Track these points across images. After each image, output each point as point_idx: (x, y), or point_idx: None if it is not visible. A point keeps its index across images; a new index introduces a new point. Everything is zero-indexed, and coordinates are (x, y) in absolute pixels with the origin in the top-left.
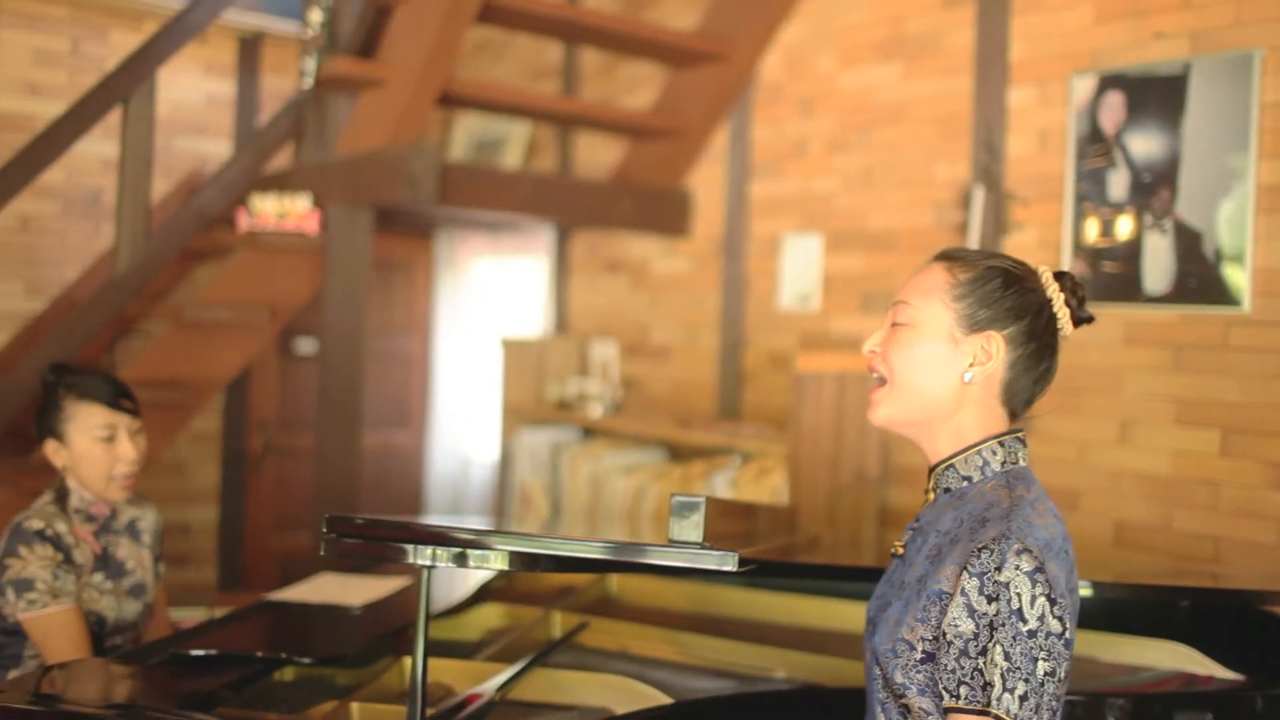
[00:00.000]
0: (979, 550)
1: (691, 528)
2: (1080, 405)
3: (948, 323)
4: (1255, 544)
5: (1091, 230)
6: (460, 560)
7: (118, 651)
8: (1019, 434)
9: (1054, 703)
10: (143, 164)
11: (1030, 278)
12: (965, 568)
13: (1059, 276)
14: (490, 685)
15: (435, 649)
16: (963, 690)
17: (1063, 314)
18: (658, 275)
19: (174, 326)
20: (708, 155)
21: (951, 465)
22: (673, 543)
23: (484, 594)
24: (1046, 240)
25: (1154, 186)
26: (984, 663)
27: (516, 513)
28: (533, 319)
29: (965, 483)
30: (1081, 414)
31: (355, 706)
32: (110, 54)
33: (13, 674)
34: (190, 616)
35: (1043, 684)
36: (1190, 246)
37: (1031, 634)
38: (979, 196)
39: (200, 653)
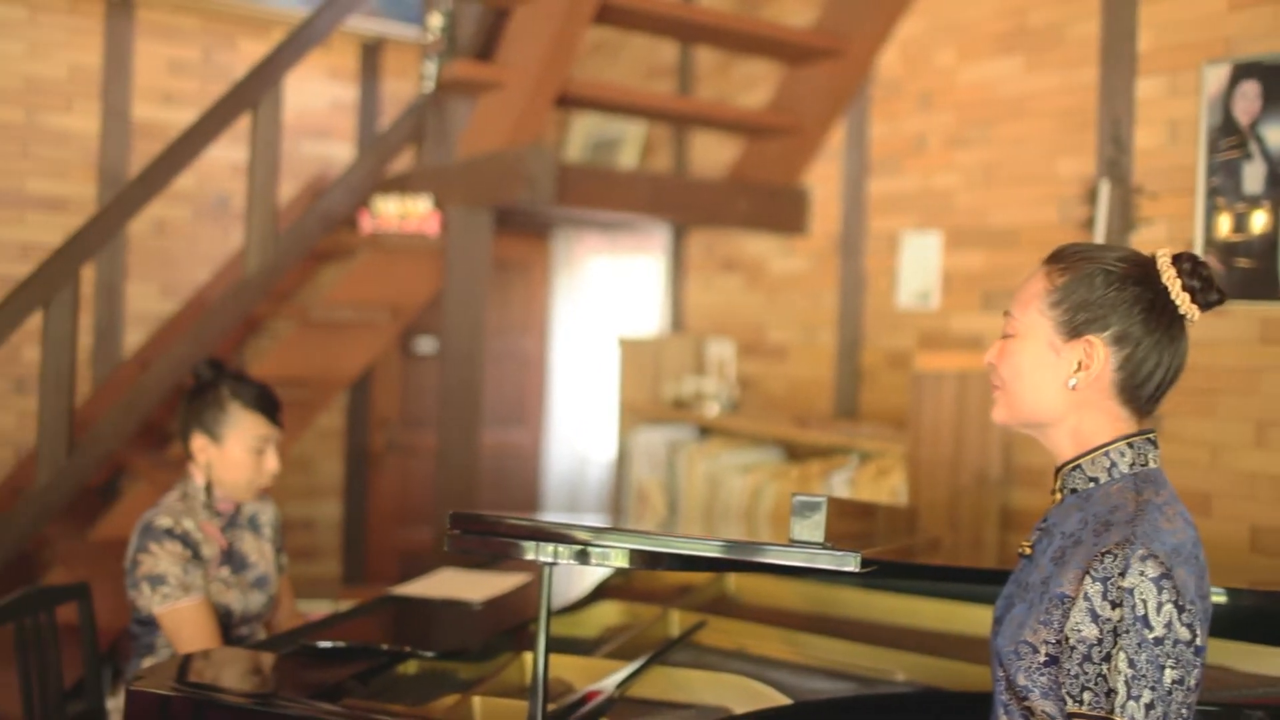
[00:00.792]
0: (1102, 555)
1: (813, 527)
2: (1214, 406)
3: (1047, 331)
4: None
5: (1224, 225)
6: (582, 558)
7: (245, 642)
8: (1149, 435)
9: (1184, 711)
10: (270, 168)
11: (1137, 271)
12: (1088, 572)
13: (1176, 260)
14: (609, 682)
15: (554, 645)
16: (1086, 696)
17: (1182, 300)
18: (774, 274)
19: (300, 326)
20: (825, 152)
21: (1078, 466)
22: (795, 542)
23: (602, 592)
24: (1176, 235)
25: None
26: (1108, 669)
27: (633, 511)
28: (649, 318)
29: (1092, 484)
30: (1215, 415)
31: (477, 700)
32: (239, 62)
33: (147, 662)
34: (316, 609)
35: (1170, 692)
36: None
37: (1158, 641)
38: (1105, 191)
39: (328, 644)
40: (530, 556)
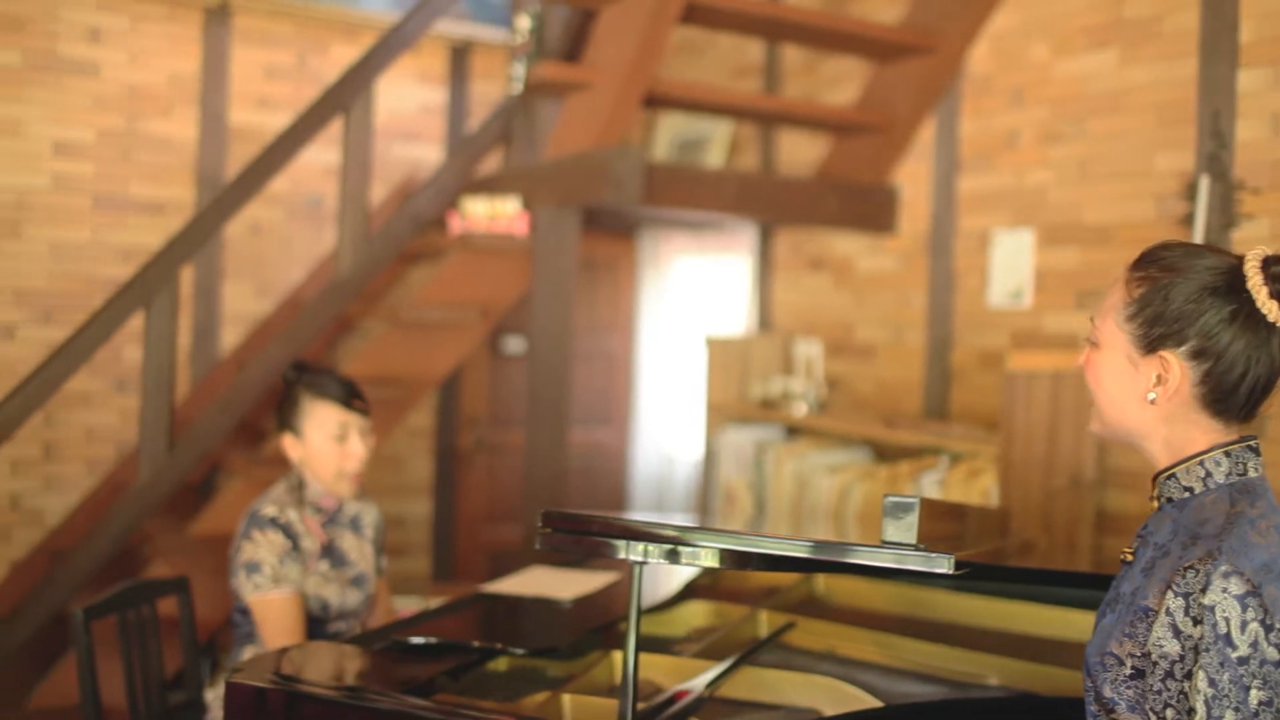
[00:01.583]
0: (1184, 569)
1: (905, 529)
2: None
3: (1124, 344)
4: None
5: None
6: (672, 557)
7: (340, 637)
8: (1250, 442)
9: None
10: (362, 170)
11: (1220, 280)
12: (1170, 586)
13: (1265, 264)
14: (698, 682)
15: (643, 644)
16: (1169, 714)
17: (1269, 308)
18: (862, 273)
19: (391, 326)
20: (914, 150)
21: (1173, 475)
22: (886, 543)
23: (690, 591)
24: None
25: None
26: (1189, 687)
27: (721, 511)
28: (736, 317)
29: (1187, 493)
30: None
31: (567, 698)
32: (331, 66)
33: (248, 650)
34: (406, 605)
35: (1257, 713)
36: None
37: (1243, 660)
38: (1205, 186)
39: (419, 640)
40: (621, 555)
